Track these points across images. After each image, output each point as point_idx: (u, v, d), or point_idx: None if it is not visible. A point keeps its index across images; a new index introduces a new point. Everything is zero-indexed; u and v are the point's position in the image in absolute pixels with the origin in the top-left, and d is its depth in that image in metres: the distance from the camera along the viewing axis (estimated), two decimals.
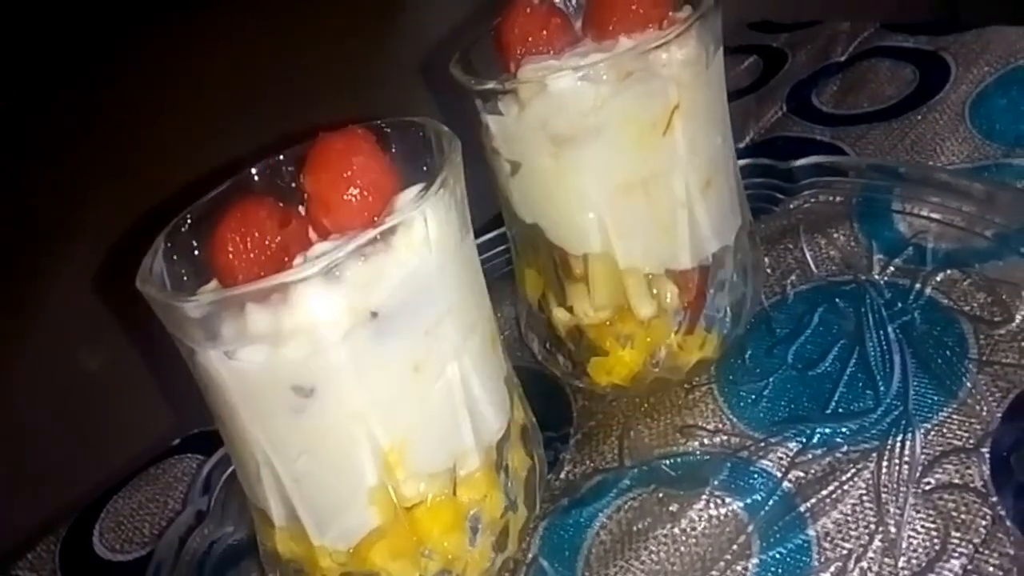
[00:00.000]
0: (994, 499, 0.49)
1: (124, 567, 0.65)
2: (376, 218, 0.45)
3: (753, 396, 0.59)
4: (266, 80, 0.80)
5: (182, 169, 0.58)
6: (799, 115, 0.88)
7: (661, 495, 0.55)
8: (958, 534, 0.48)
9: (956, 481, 0.50)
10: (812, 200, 0.73)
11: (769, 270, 0.67)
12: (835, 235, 0.69)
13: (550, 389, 0.64)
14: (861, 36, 0.95)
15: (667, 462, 0.57)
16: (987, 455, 0.51)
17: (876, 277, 0.64)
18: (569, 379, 0.63)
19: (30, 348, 0.75)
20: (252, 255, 0.43)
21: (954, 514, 0.49)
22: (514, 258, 0.63)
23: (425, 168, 0.48)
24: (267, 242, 0.43)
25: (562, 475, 0.59)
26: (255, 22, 0.79)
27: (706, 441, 0.58)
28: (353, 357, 0.43)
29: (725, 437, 0.57)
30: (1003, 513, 0.48)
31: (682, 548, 0.52)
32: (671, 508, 0.54)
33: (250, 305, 0.41)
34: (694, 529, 0.53)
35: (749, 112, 0.91)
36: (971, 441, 0.52)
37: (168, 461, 0.72)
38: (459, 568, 0.49)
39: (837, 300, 0.64)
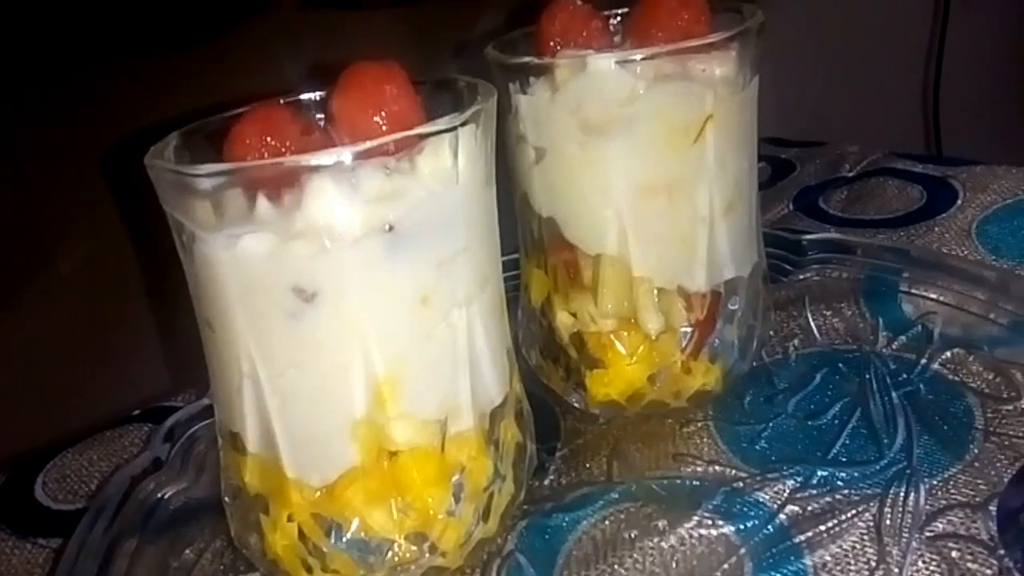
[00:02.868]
0: (1001, 552, 0.46)
1: (65, 515, 0.60)
2: None
3: (751, 437, 0.57)
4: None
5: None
6: (806, 214, 0.88)
7: (650, 511, 0.52)
8: None
9: (962, 532, 0.47)
10: (820, 275, 0.72)
11: (772, 332, 0.65)
12: (841, 308, 0.68)
13: (539, 407, 0.60)
14: (869, 158, 0.96)
15: (657, 483, 0.54)
16: (994, 512, 0.48)
17: (881, 350, 0.63)
18: (564, 390, 0.60)
19: None
20: (267, 154, 0.41)
21: (959, 562, 0.46)
22: (522, 260, 0.61)
23: None
24: (286, 144, 0.41)
25: (546, 482, 0.55)
26: None
27: (699, 470, 0.55)
28: (362, 267, 0.41)
29: (720, 468, 0.54)
30: (1011, 565, 0.45)
31: (669, 561, 0.49)
32: (659, 524, 0.51)
33: (261, 194, 0.39)
34: (683, 544, 0.49)
35: None
36: (977, 498, 0.49)
37: (125, 428, 0.68)
38: (436, 533, 0.45)
39: (840, 365, 0.62)
